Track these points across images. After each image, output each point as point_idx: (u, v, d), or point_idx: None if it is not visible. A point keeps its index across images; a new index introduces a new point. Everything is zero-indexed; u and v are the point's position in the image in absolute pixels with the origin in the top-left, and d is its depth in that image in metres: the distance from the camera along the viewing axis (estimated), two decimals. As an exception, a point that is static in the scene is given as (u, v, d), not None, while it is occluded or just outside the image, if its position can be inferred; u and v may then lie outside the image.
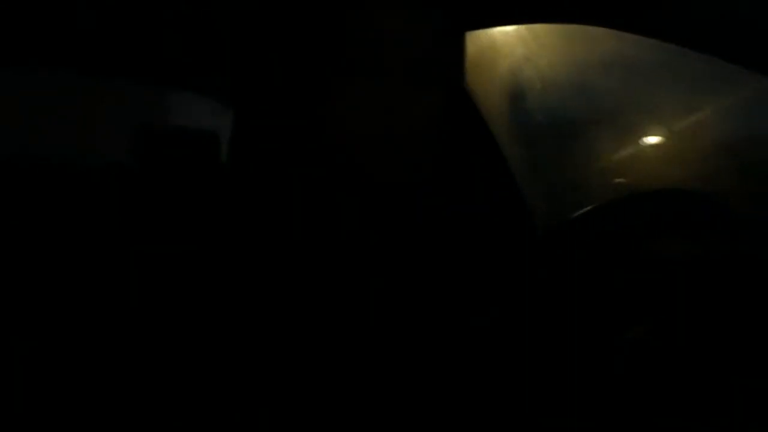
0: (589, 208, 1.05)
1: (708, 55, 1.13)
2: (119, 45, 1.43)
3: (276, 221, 0.86)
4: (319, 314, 0.83)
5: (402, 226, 0.85)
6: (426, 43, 0.81)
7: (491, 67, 1.41)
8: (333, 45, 0.81)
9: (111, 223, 1.41)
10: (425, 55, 0.81)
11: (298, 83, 0.84)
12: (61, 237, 1.42)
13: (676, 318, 0.92)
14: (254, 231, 0.86)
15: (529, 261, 0.94)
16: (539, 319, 0.91)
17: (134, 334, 0.84)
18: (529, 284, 0.91)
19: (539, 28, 1.37)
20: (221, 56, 1.37)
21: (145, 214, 1.26)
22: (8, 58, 1.45)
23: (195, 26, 1.33)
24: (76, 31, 1.37)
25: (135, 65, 1.50)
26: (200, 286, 0.84)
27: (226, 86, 1.46)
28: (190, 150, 1.73)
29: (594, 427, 0.89)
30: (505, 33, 1.40)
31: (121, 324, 0.85)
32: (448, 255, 0.89)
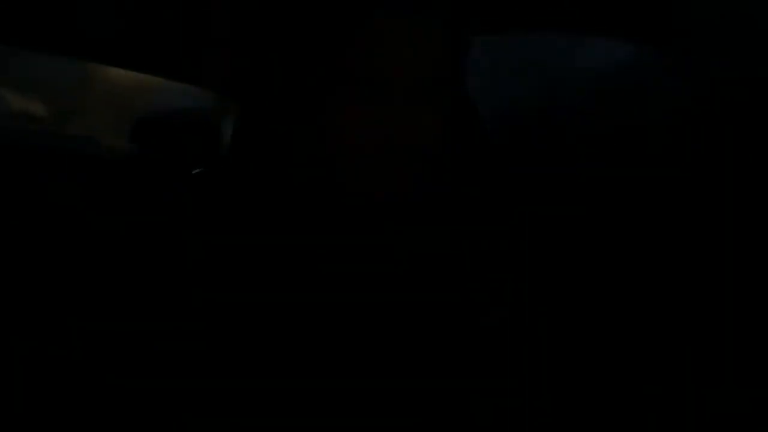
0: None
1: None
2: (125, 35, 1.43)
3: (268, 219, 0.86)
4: (317, 315, 0.83)
5: (391, 239, 0.85)
6: (430, 58, 0.81)
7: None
8: (339, 53, 0.81)
9: (109, 209, 1.41)
10: (430, 70, 0.81)
11: (301, 88, 0.85)
12: (60, 221, 1.43)
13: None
14: (248, 227, 0.86)
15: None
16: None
17: (129, 322, 0.85)
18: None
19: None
20: (225, 52, 1.37)
21: (142, 201, 1.26)
22: (17, 41, 1.45)
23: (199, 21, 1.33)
24: (81, 20, 1.37)
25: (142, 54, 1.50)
26: (195, 280, 0.84)
27: (229, 82, 1.46)
28: (190, 141, 1.74)
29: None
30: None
31: (117, 312, 0.86)
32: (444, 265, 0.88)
